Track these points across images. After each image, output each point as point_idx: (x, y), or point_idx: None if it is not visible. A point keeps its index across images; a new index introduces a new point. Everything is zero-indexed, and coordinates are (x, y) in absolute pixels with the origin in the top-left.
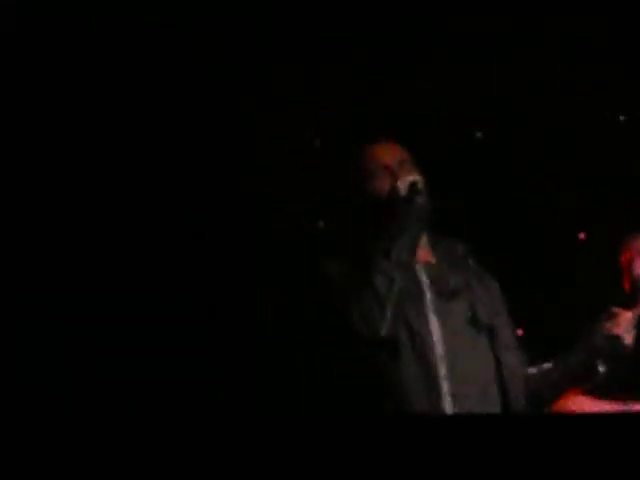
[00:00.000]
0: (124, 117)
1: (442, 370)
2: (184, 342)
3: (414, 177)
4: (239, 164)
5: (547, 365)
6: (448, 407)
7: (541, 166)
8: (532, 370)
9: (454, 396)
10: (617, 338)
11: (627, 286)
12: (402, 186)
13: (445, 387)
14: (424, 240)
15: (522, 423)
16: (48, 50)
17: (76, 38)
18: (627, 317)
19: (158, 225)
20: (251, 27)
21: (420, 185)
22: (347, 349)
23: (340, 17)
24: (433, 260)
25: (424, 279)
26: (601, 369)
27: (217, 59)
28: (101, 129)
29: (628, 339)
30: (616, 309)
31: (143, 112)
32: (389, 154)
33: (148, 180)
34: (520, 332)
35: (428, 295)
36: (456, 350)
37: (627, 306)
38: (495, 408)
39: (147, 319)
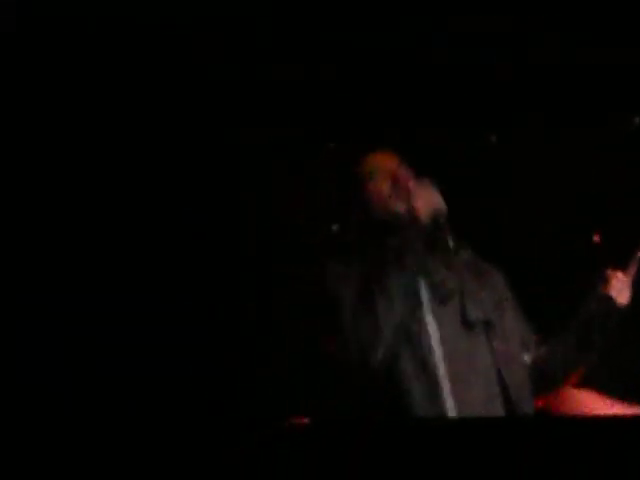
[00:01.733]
0: (124, 117)
1: (442, 372)
2: (184, 342)
3: (438, 207)
4: (241, 166)
5: (551, 343)
6: (451, 410)
7: (549, 167)
8: (538, 352)
9: (457, 399)
10: (610, 299)
11: None
12: (424, 214)
13: (446, 390)
14: None
15: (523, 427)
16: (48, 50)
17: (76, 38)
18: (620, 277)
19: (158, 224)
20: (251, 27)
21: (443, 220)
22: (347, 355)
23: (340, 17)
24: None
25: (422, 284)
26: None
27: (217, 59)
28: (101, 129)
29: (621, 300)
30: (609, 271)
31: (143, 112)
32: (389, 162)
33: (148, 180)
34: None
35: (425, 299)
36: (455, 352)
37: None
38: (499, 407)
39: (147, 319)
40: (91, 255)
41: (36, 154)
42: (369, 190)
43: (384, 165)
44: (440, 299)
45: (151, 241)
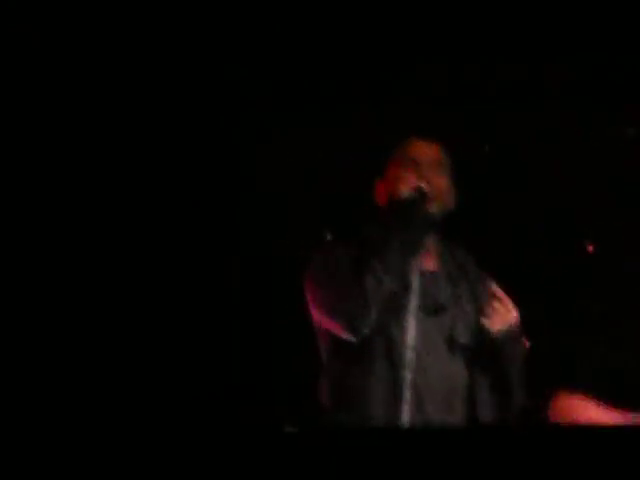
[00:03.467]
0: (124, 117)
1: (408, 378)
2: (183, 343)
3: (422, 183)
4: (241, 167)
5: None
6: (407, 416)
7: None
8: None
9: (416, 405)
10: None
11: None
12: (406, 190)
13: (407, 396)
14: (432, 246)
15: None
16: (48, 50)
17: (76, 38)
18: None
19: (157, 227)
20: (251, 27)
21: (425, 191)
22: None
23: (341, 19)
24: (436, 268)
25: (416, 288)
26: None
27: (217, 59)
28: (101, 129)
29: None
30: None
31: (143, 112)
32: (422, 151)
33: (147, 180)
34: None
35: (414, 304)
36: (427, 363)
37: None
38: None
39: (146, 319)
40: (90, 254)
41: (36, 154)
42: (393, 182)
43: (424, 154)
44: (428, 311)
45: (149, 240)
